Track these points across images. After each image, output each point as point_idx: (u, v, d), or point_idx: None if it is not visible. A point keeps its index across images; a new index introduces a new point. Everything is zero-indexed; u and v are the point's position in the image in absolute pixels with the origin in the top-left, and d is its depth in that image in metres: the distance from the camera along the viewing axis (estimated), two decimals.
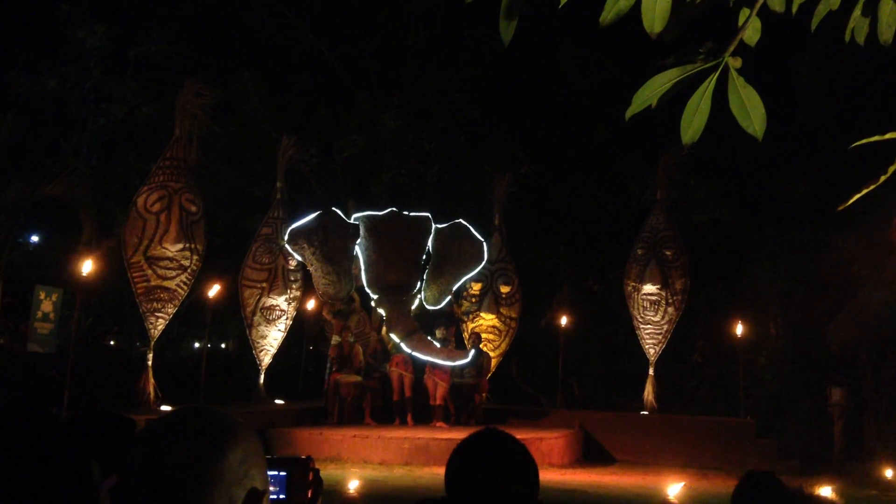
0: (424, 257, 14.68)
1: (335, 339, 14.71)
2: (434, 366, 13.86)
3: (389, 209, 14.67)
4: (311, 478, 1.63)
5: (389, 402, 14.41)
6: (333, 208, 14.52)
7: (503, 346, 16.36)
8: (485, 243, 15.00)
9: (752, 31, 2.67)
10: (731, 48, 2.56)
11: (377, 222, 14.30)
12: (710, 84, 2.55)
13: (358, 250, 14.22)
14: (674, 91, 2.58)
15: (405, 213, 14.78)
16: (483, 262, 14.99)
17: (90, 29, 19.29)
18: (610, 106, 19.13)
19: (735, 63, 2.54)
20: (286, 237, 14.05)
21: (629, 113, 2.65)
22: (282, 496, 1.58)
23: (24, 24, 20.55)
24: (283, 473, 1.60)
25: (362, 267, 14.19)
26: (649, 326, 15.05)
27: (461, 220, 15.10)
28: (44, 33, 19.68)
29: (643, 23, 2.51)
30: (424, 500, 3.13)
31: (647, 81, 2.57)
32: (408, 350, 13.87)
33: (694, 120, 2.62)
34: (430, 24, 21.45)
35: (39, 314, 12.39)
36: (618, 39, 18.02)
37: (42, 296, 12.47)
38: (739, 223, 19.02)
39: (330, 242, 13.81)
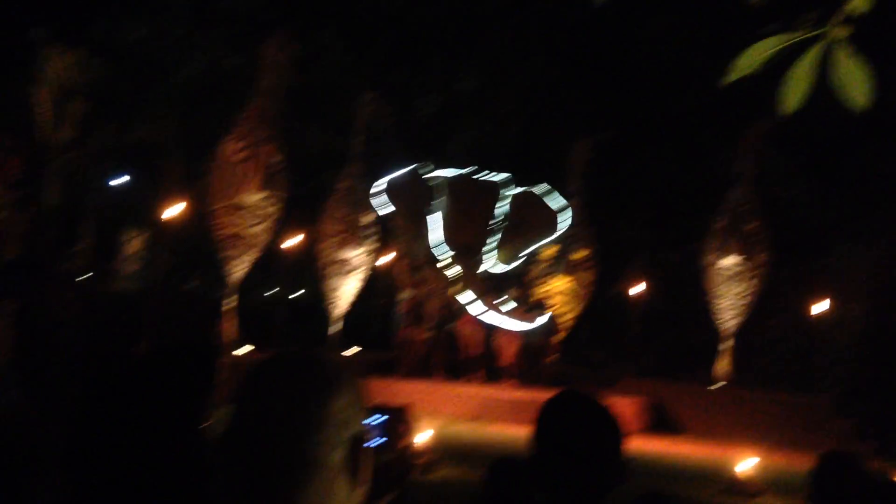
0: (500, 220, 14.60)
1: (407, 293, 14.88)
2: (472, 315, 13.91)
3: (468, 168, 14.61)
4: (407, 427, 1.67)
5: (459, 357, 14.55)
6: (419, 166, 14.57)
7: (575, 310, 16.29)
8: (568, 210, 14.81)
9: (858, 1, 2.58)
10: (837, 18, 2.48)
11: (454, 182, 14.29)
12: (814, 53, 2.47)
13: (432, 211, 14.26)
14: (776, 59, 2.51)
15: (484, 174, 14.73)
16: (559, 230, 14.83)
17: None
18: (696, 73, 18.68)
19: (840, 33, 2.45)
20: (374, 190, 14.19)
21: (728, 80, 2.59)
22: (380, 442, 1.63)
23: None
24: (381, 420, 1.64)
25: (437, 226, 14.21)
26: (726, 299, 14.77)
27: (539, 185, 14.95)
28: None
29: None
30: (506, 457, 3.18)
31: (748, 48, 2.52)
32: (477, 311, 13.91)
33: (796, 90, 2.55)
34: None
35: (126, 254, 12.82)
36: (707, 5, 17.52)
37: (129, 237, 12.89)
38: (826, 199, 18.41)
39: (414, 200, 13.90)
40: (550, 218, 14.59)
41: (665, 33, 20.33)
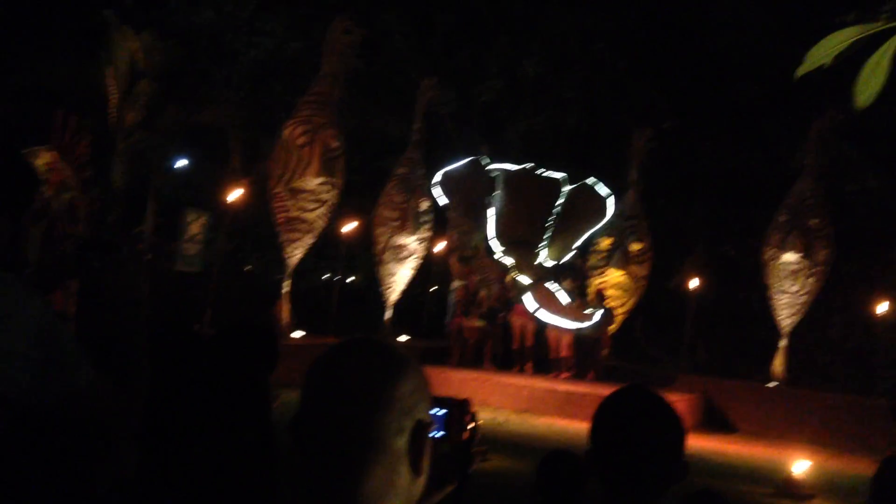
0: (552, 218, 14.60)
1: (457, 282, 14.94)
2: (525, 308, 13.91)
3: (526, 164, 14.61)
4: (468, 419, 1.67)
5: (510, 348, 14.54)
6: (479, 158, 14.62)
7: (629, 303, 16.13)
8: (611, 198, 14.71)
9: None
10: None
11: (513, 176, 14.31)
12: (891, 46, 2.40)
13: (491, 202, 14.31)
14: (851, 51, 2.44)
15: (541, 170, 14.71)
16: (607, 218, 14.71)
17: None
18: (762, 63, 18.28)
19: None
20: (436, 178, 14.29)
21: (801, 71, 2.53)
22: (440, 434, 1.63)
23: None
24: (443, 412, 1.64)
25: (493, 218, 14.25)
26: (786, 296, 14.47)
27: (592, 177, 14.88)
28: None
29: None
30: (560, 450, 3.18)
31: (823, 39, 2.44)
32: (533, 303, 13.89)
33: (871, 83, 2.47)
34: None
35: (187, 235, 13.07)
36: None
37: (191, 218, 13.14)
38: (894, 195, 17.89)
39: (473, 192, 13.97)
40: (599, 207, 14.53)
41: (734, 19, 19.93)
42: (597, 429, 1.70)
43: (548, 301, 13.88)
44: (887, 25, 2.42)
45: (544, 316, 13.85)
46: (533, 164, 14.62)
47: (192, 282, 12.90)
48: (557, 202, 14.52)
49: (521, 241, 14.08)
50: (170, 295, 12.25)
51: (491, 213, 14.28)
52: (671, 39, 20.94)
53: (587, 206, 14.57)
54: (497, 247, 14.34)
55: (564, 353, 13.86)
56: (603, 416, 1.71)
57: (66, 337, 1.78)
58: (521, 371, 14.06)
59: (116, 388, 1.92)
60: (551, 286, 14.06)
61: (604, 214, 14.63)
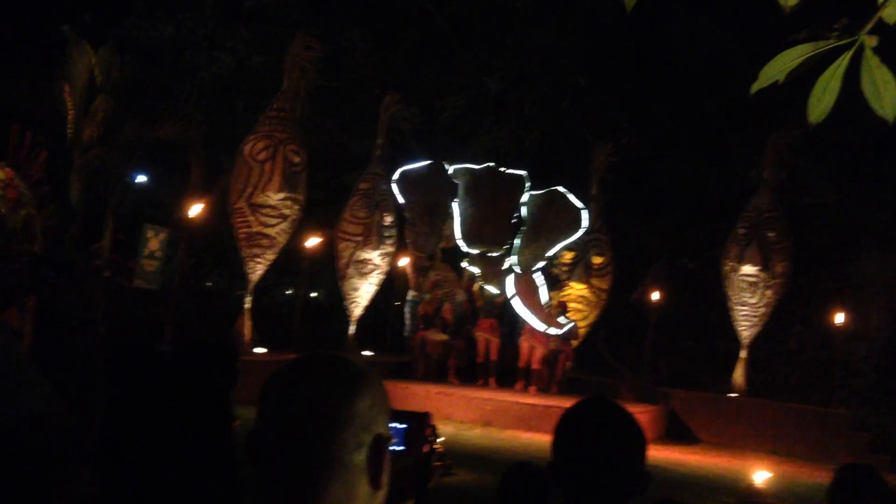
0: (517, 216, 14.60)
1: (412, 293, 14.95)
2: (534, 328, 13.83)
3: (487, 164, 14.63)
4: (428, 432, 1.67)
5: (474, 362, 14.53)
6: (441, 161, 14.62)
7: (591, 317, 16.24)
8: (585, 211, 14.78)
9: (892, 9, 2.56)
10: (869, 26, 2.45)
11: (475, 176, 14.31)
12: (843, 62, 2.45)
13: (453, 206, 14.29)
14: (804, 67, 2.49)
15: (502, 169, 14.75)
16: (581, 230, 14.77)
17: None
18: (720, 79, 18.58)
19: (871, 42, 2.43)
20: (395, 177, 14.27)
21: (756, 87, 2.57)
22: (400, 448, 1.63)
23: None
24: (402, 426, 1.64)
25: (458, 221, 14.20)
26: (745, 308, 14.68)
27: (560, 186, 14.93)
28: None
29: None
30: (522, 463, 3.18)
31: (777, 56, 2.50)
32: (511, 288, 13.75)
33: (823, 99, 2.53)
34: None
35: (146, 252, 12.90)
36: (733, 11, 17.42)
37: (150, 234, 12.98)
38: (850, 208, 18.25)
39: (432, 194, 13.96)
40: (573, 218, 14.57)
41: (692, 36, 20.24)
42: (559, 441, 1.71)
43: (528, 293, 13.78)
44: (839, 43, 2.47)
45: (517, 306, 13.78)
46: (494, 164, 14.65)
47: (151, 299, 12.75)
48: (521, 199, 14.54)
49: (488, 240, 14.04)
50: (128, 313, 12.08)
51: (455, 214, 14.25)
52: (631, 55, 21.21)
53: (560, 216, 14.58)
54: (463, 247, 14.26)
55: (536, 366, 13.81)
56: (564, 428, 1.72)
57: (19, 357, 1.75)
58: (486, 385, 14.04)
59: (73, 408, 1.89)
60: (538, 279, 14.06)
61: (578, 226, 14.62)
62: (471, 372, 14.53)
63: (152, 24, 19.74)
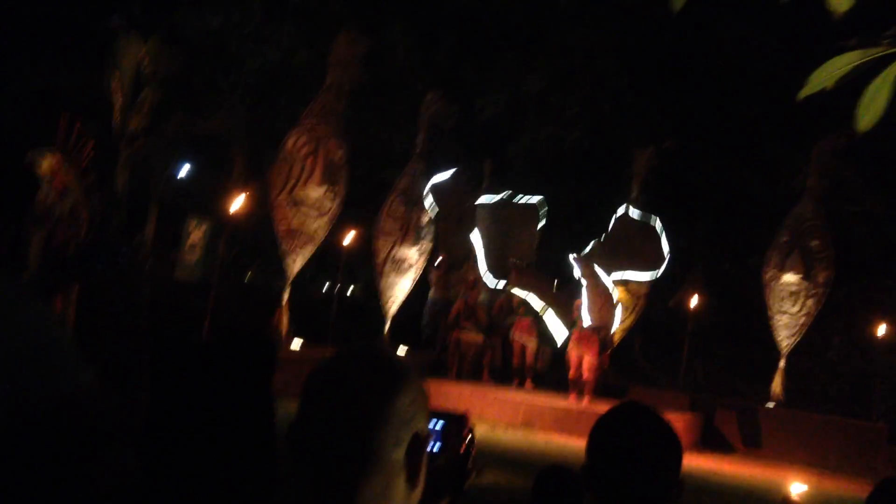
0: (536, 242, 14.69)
1: (432, 293, 15.05)
2: (582, 337, 13.46)
3: (503, 194, 14.58)
4: (466, 433, 1.67)
5: (509, 362, 14.49)
6: (462, 169, 14.70)
7: (628, 321, 16.09)
8: (538, 204, 14.71)
9: None
10: None
11: (492, 210, 14.26)
12: (893, 70, 2.42)
13: (473, 241, 14.30)
14: (853, 75, 2.47)
15: (518, 197, 14.80)
16: (539, 222, 14.69)
17: None
18: (765, 85, 18.34)
19: None
20: (426, 189, 14.30)
21: (804, 93, 2.56)
22: (437, 447, 1.63)
23: None
24: (440, 424, 1.64)
25: (481, 256, 14.18)
26: (785, 317, 14.48)
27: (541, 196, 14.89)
28: None
29: (828, 1, 2.40)
30: (556, 466, 3.18)
31: (826, 62, 2.47)
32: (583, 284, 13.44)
33: (872, 107, 2.50)
34: None
35: (188, 244, 13.07)
36: (781, 17, 17.17)
37: (192, 226, 13.13)
38: (894, 218, 17.92)
39: (462, 201, 13.98)
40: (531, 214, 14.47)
41: (737, 40, 20.01)
42: (593, 445, 1.71)
43: (596, 297, 13.42)
44: (888, 51, 2.44)
45: (579, 307, 13.39)
46: (510, 192, 14.67)
47: (191, 290, 12.90)
48: (539, 225, 14.57)
49: (515, 267, 14.01)
50: (169, 303, 12.25)
51: (478, 249, 14.23)
52: (675, 58, 21.01)
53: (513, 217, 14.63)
54: (491, 283, 14.27)
55: (587, 375, 13.28)
56: (600, 432, 1.72)
57: (64, 340, 1.79)
58: (521, 386, 13.99)
59: (117, 392, 1.93)
60: (610, 286, 13.72)
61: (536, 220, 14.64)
62: (506, 372, 14.50)
63: (200, 16, 19.98)
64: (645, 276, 14.45)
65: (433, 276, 15.63)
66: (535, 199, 14.71)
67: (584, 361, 13.17)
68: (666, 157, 17.73)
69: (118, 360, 2.15)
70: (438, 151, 19.55)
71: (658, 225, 14.17)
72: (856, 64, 2.48)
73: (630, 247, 14.22)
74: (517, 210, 14.47)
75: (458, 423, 1.67)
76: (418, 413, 1.25)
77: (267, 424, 1.57)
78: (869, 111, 2.53)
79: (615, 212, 16.33)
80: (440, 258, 15.29)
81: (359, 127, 18.08)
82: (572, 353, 13.33)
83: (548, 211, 14.72)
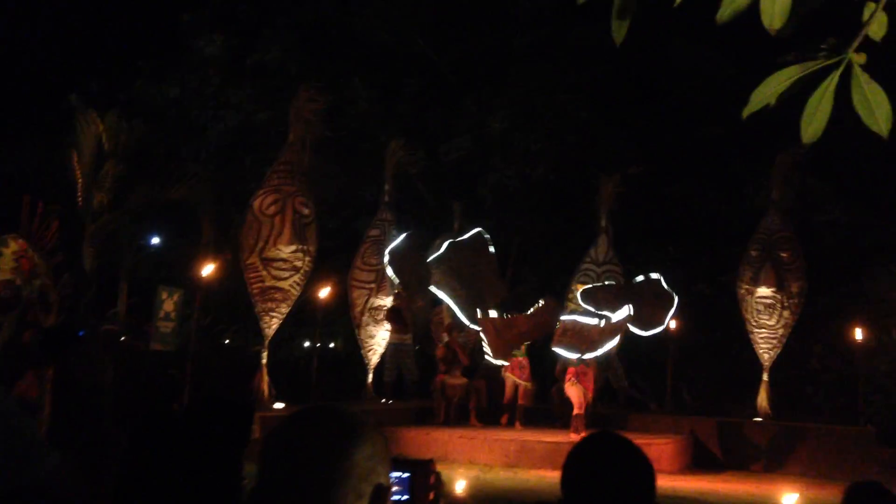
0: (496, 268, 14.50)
1: (393, 338, 14.86)
2: (579, 372, 13.01)
3: (446, 241, 14.37)
4: (433, 480, 1.67)
5: (496, 402, 14.38)
6: (418, 231, 14.65)
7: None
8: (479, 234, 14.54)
9: (877, 26, 2.58)
10: (856, 44, 2.47)
11: (444, 260, 14.02)
12: (832, 82, 2.47)
13: (440, 296, 13.99)
14: (794, 89, 2.52)
15: (462, 233, 14.68)
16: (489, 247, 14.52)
17: (210, 38, 20.12)
18: (723, 105, 18.64)
19: (859, 59, 2.45)
20: (385, 258, 14.06)
21: (747, 111, 2.60)
22: (404, 497, 1.62)
23: (149, 37, 21.62)
24: (406, 474, 1.63)
25: (455, 307, 13.89)
26: (764, 331, 14.57)
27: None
28: (167, 44, 20.64)
29: (762, 19, 2.46)
30: (537, 502, 3.15)
31: (766, 79, 2.52)
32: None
33: (815, 118, 2.55)
34: (537, 24, 21.39)
35: (162, 313, 12.94)
36: (732, 37, 17.54)
37: (164, 296, 13.02)
38: (861, 224, 18.19)
39: (420, 265, 13.76)
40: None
41: (692, 64, 20.40)
42: (567, 478, 1.71)
43: (578, 334, 13.07)
44: (827, 62, 2.50)
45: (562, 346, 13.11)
46: (450, 240, 14.39)
47: (169, 360, 12.76)
48: (491, 251, 14.42)
49: (496, 305, 13.89)
50: (147, 375, 12.09)
51: (448, 303, 13.99)
52: (632, 86, 21.37)
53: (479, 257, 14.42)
54: (473, 327, 13.94)
55: (582, 410, 13.09)
56: (572, 464, 1.71)
57: (26, 425, 1.76)
58: (510, 425, 13.70)
59: (85, 474, 1.90)
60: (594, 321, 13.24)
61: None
62: (493, 413, 14.41)
63: (158, 86, 20.07)
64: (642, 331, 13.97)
65: (392, 321, 15.38)
66: (473, 231, 14.56)
67: (586, 396, 12.96)
68: (633, 183, 17.92)
69: (87, 440, 2.12)
70: (408, 198, 19.66)
71: (675, 299, 13.96)
72: (795, 78, 2.53)
73: (641, 305, 13.89)
74: (465, 245, 14.30)
75: (423, 471, 1.66)
76: (378, 466, 1.25)
77: (234, 493, 1.55)
78: (812, 123, 2.58)
79: (588, 242, 16.47)
80: (394, 300, 15.15)
81: (326, 180, 18.15)
82: (571, 390, 13.01)
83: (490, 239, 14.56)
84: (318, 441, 1.23)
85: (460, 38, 21.43)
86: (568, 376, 13.14)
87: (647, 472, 1.70)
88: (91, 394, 2.15)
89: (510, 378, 13.87)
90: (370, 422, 1.28)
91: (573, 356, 12.90)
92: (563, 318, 13.53)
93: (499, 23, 21.63)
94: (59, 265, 8.71)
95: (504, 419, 13.88)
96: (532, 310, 13.81)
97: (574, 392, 12.98)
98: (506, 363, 13.81)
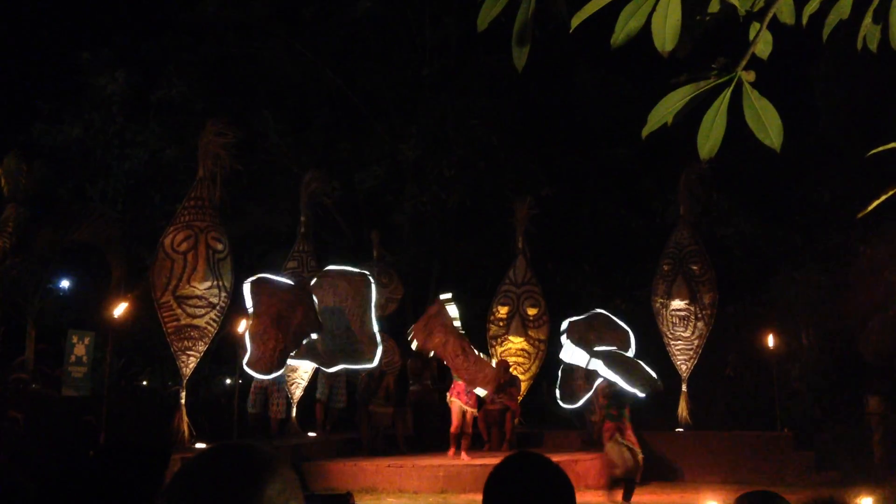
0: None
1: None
2: (460, 391, 13.00)
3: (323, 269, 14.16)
4: None
5: (421, 428, 14.28)
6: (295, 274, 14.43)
7: (533, 368, 16.30)
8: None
9: (763, 45, 2.70)
10: (744, 62, 2.59)
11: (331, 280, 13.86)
12: (724, 99, 2.58)
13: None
14: (689, 107, 2.61)
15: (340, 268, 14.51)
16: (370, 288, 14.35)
17: (111, 76, 19.65)
18: (628, 125, 19.21)
19: (748, 77, 2.57)
20: (247, 283, 13.66)
21: (645, 131, 2.68)
22: None
23: (47, 75, 21.01)
24: None
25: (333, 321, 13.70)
26: (679, 342, 14.96)
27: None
28: (66, 82, 20.09)
29: (654, 42, 2.55)
30: None
31: (662, 99, 2.61)
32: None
33: (710, 135, 2.65)
34: (443, 53, 21.67)
35: (73, 358, 12.50)
36: (633, 59, 18.11)
37: (75, 340, 12.59)
38: (765, 234, 18.89)
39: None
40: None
41: (596, 87, 20.94)
42: (487, 500, 1.71)
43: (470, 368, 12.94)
44: (718, 81, 2.60)
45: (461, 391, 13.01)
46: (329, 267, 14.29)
47: (83, 406, 12.32)
48: (370, 294, 14.22)
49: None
50: (59, 422, 11.65)
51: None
52: (540, 111, 21.83)
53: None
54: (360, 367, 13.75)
55: (452, 429, 13.02)
56: (492, 486, 1.72)
57: None
58: (457, 454, 13.21)
59: None
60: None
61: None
62: (420, 440, 14.32)
63: (59, 126, 19.51)
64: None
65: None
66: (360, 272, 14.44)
67: (468, 413, 12.97)
68: (546, 204, 18.24)
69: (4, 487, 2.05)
70: (325, 229, 19.54)
71: (632, 340, 14.08)
72: (689, 97, 2.63)
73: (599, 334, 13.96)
74: (349, 276, 14.17)
75: None
76: (290, 501, 1.24)
77: None
78: (709, 140, 2.69)
79: (507, 264, 16.65)
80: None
81: (240, 215, 17.90)
82: (455, 405, 12.92)
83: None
84: (228, 478, 1.21)
85: (369, 69, 21.53)
86: (451, 393, 13.15)
87: (566, 490, 1.72)
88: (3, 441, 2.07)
89: (456, 404, 13.07)
90: (280, 457, 1.27)
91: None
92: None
93: (405, 53, 21.84)
94: None
95: (451, 452, 13.31)
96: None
97: (453, 409, 13.00)
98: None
